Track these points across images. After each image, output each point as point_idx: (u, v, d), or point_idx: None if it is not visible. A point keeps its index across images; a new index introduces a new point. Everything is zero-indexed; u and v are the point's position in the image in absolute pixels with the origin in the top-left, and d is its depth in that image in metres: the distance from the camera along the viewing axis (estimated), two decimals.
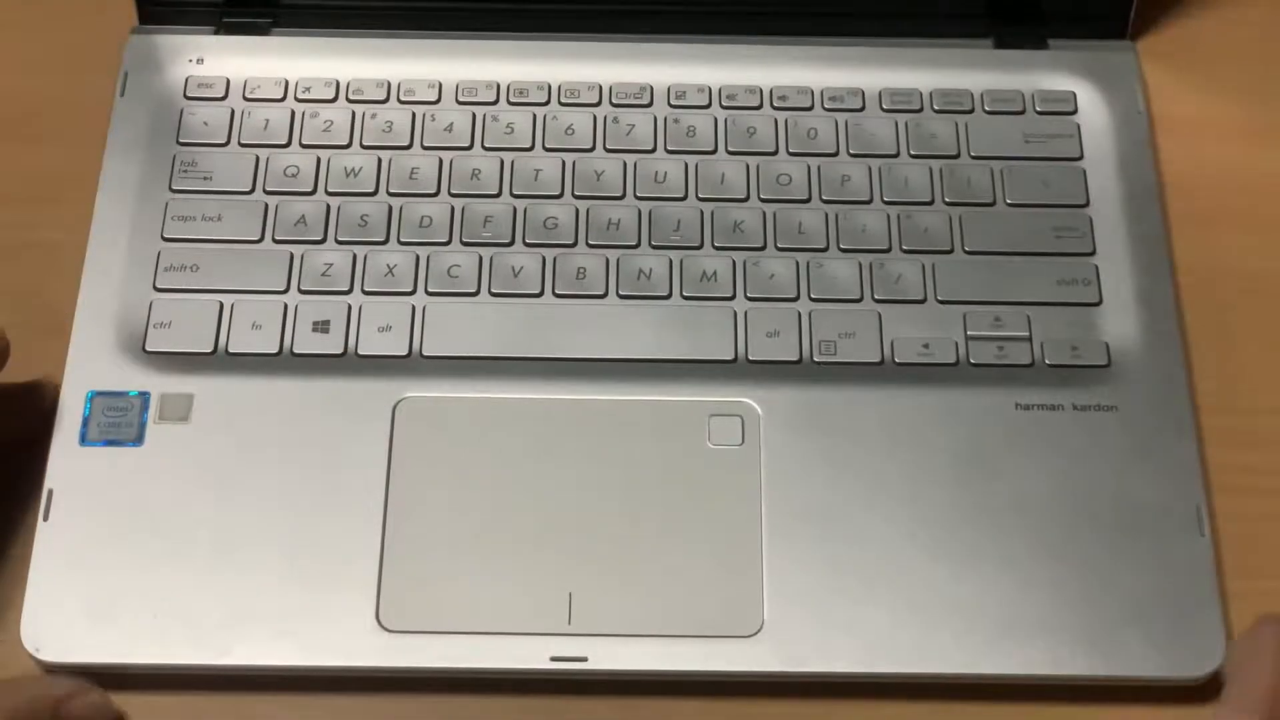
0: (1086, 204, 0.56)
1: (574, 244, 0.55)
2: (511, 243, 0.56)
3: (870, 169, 0.57)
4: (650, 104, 0.59)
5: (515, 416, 0.52)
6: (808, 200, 0.56)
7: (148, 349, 0.53)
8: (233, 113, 0.58)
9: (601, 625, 0.49)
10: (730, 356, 0.53)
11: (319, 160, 0.57)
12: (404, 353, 0.53)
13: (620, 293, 0.54)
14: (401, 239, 0.56)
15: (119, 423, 0.52)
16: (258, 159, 0.57)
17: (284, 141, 0.58)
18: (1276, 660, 0.44)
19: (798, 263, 0.55)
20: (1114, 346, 0.54)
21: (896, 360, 0.53)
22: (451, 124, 0.58)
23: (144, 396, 0.52)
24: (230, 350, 0.53)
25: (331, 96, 0.58)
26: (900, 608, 0.49)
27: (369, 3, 0.61)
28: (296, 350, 0.53)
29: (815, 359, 0.53)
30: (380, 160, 0.57)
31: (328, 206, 0.56)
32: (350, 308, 0.54)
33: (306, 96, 0.58)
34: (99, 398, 0.52)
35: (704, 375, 0.53)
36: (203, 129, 0.58)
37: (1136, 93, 0.59)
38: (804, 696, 0.49)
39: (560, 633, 0.49)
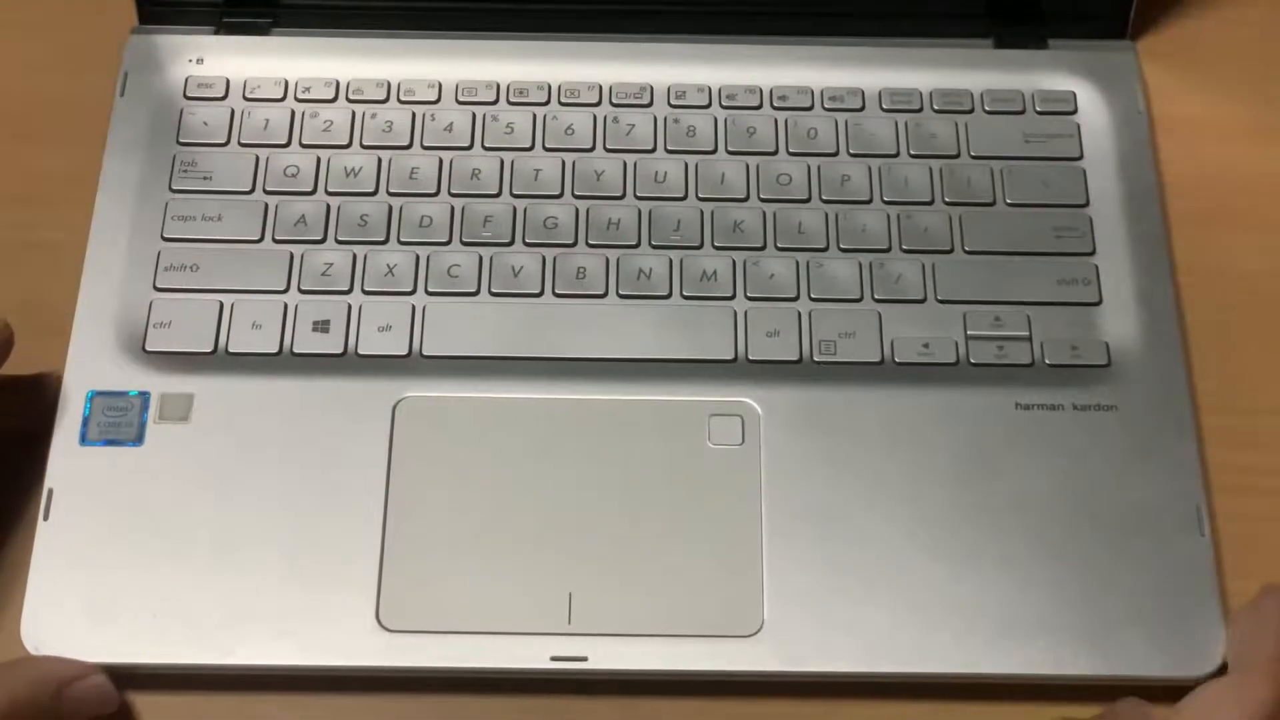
0: (1086, 204, 0.56)
1: (574, 244, 0.55)
2: (511, 242, 0.56)
3: (870, 169, 0.57)
4: (650, 104, 0.59)
5: (515, 416, 0.52)
6: (808, 200, 0.56)
7: (148, 349, 0.53)
8: (233, 113, 0.58)
9: (602, 625, 0.49)
10: (730, 356, 0.53)
11: (319, 160, 0.57)
12: (404, 352, 0.53)
13: (620, 292, 0.54)
14: (401, 239, 0.56)
15: (119, 422, 0.52)
16: (258, 159, 0.57)
17: (284, 141, 0.58)
18: None
19: (798, 262, 0.55)
20: (1114, 346, 0.54)
21: (896, 360, 0.53)
22: (451, 124, 0.58)
23: (144, 396, 0.52)
24: (230, 350, 0.53)
25: (331, 96, 0.58)
26: (900, 607, 0.49)
27: (369, 3, 0.61)
28: (296, 350, 0.53)
29: (815, 359, 0.53)
30: (380, 160, 0.57)
31: (328, 206, 0.56)
32: (350, 307, 0.54)
33: (306, 96, 0.58)
34: (99, 397, 0.52)
35: (704, 375, 0.53)
36: (203, 129, 0.58)
37: (1136, 93, 0.59)
38: (804, 696, 0.49)
39: (560, 632, 0.49)
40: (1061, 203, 0.56)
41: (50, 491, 0.51)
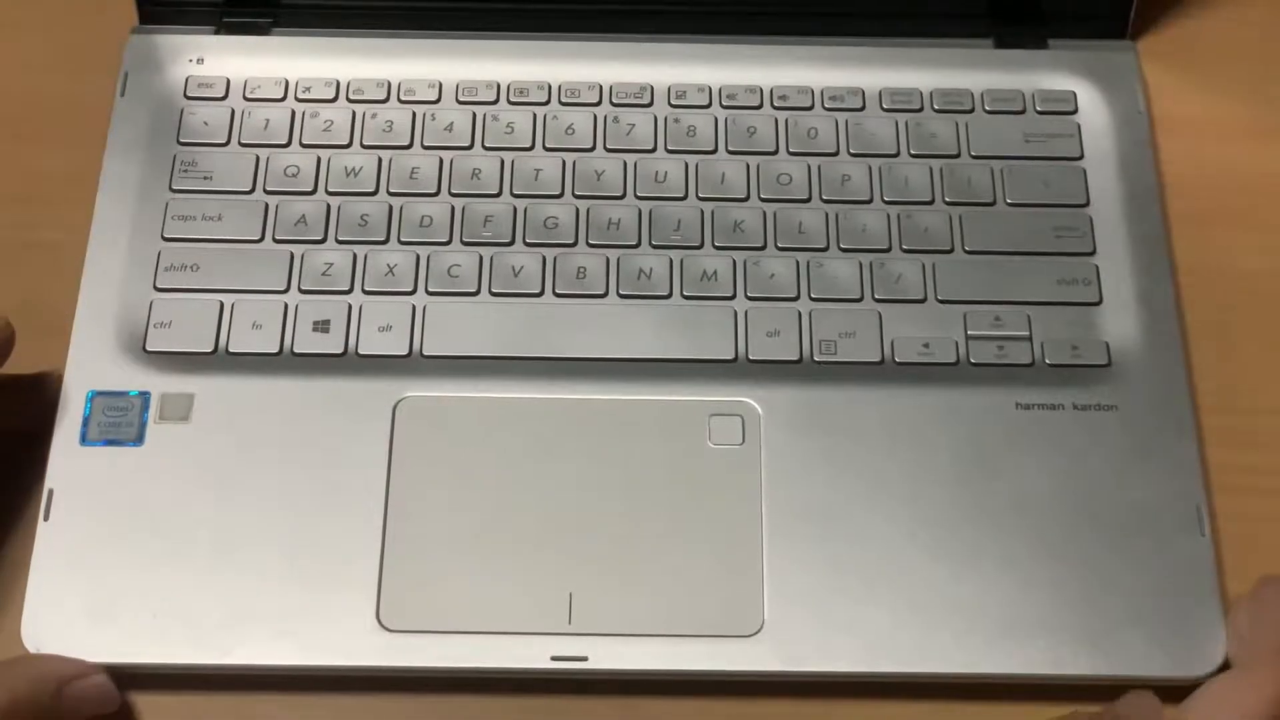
0: (1087, 204, 0.56)
1: (574, 244, 0.55)
2: (512, 242, 0.56)
3: (870, 169, 0.57)
4: (650, 104, 0.59)
5: (516, 416, 0.52)
6: (808, 200, 0.56)
7: (148, 349, 0.53)
8: (233, 113, 0.58)
9: (602, 625, 0.49)
10: (731, 356, 0.53)
11: (319, 160, 0.57)
12: (404, 352, 0.53)
13: (620, 292, 0.54)
14: (402, 239, 0.56)
15: (119, 422, 0.52)
16: (258, 159, 0.57)
17: (284, 141, 0.58)
18: None
19: (798, 262, 0.55)
20: (1114, 346, 0.54)
21: (897, 360, 0.53)
22: (452, 124, 0.58)
23: (144, 396, 0.52)
24: (230, 350, 0.53)
25: (332, 96, 0.58)
26: (901, 607, 0.49)
27: (369, 3, 0.61)
28: (297, 350, 0.53)
29: (815, 358, 0.53)
30: (380, 160, 0.57)
31: (328, 206, 0.56)
32: (350, 307, 0.54)
33: (307, 96, 0.58)
34: (99, 397, 0.52)
35: (704, 375, 0.53)
36: (203, 129, 0.58)
37: (1137, 93, 0.59)
38: (804, 696, 0.49)
39: (561, 632, 0.49)
40: (1062, 203, 0.56)
41: (50, 491, 0.51)
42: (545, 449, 0.52)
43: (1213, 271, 0.56)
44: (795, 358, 0.53)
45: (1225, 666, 0.48)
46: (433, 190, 0.57)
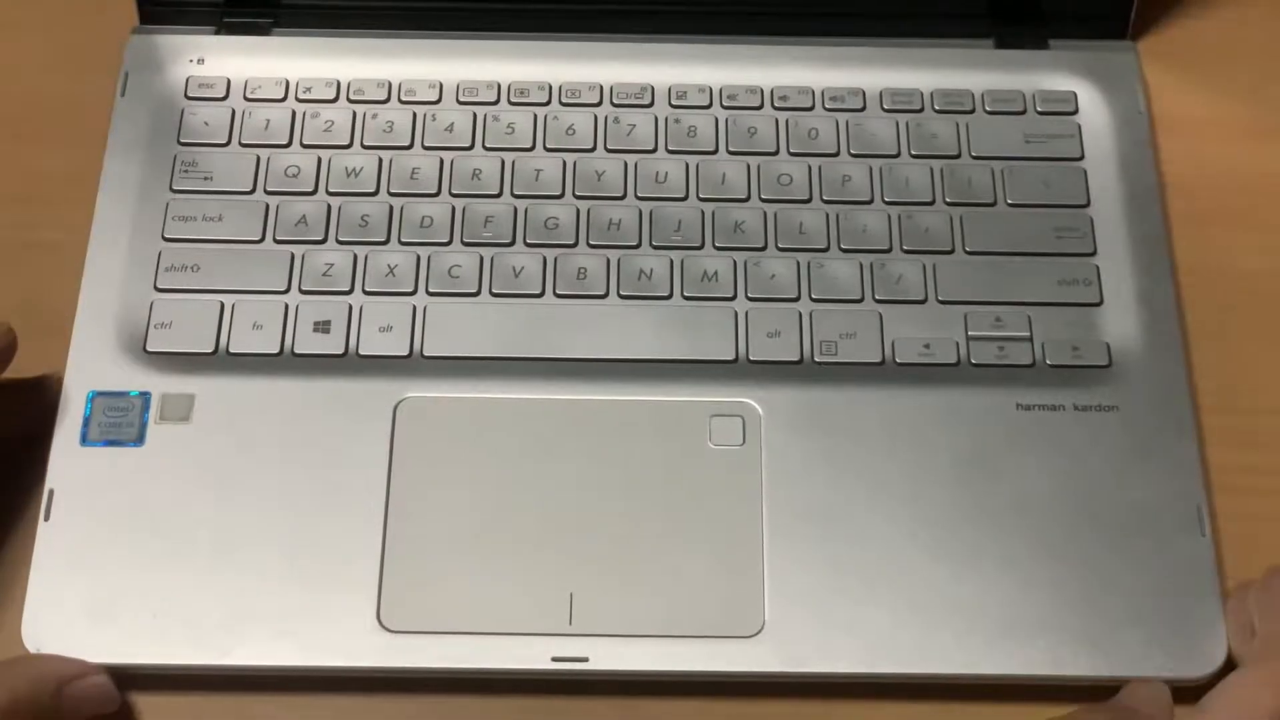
0: (1087, 204, 0.56)
1: (575, 244, 0.55)
2: (512, 243, 0.56)
3: (871, 169, 0.57)
4: (651, 104, 0.58)
5: (516, 416, 0.52)
6: (808, 200, 0.56)
7: (148, 349, 0.53)
8: (233, 113, 0.58)
9: (602, 625, 0.49)
10: (731, 357, 0.53)
11: (320, 160, 0.57)
12: (405, 353, 0.53)
13: (621, 293, 0.54)
14: (402, 239, 0.56)
15: (120, 423, 0.52)
16: (258, 159, 0.57)
17: (285, 141, 0.58)
18: None
19: (798, 263, 0.55)
20: (1115, 347, 0.54)
21: (897, 360, 0.53)
22: (452, 124, 0.58)
23: (145, 397, 0.52)
24: (231, 350, 0.53)
25: (332, 97, 0.58)
26: (901, 608, 0.49)
27: (369, 3, 0.61)
28: (297, 350, 0.53)
29: (816, 359, 0.53)
30: (381, 160, 0.57)
31: (328, 206, 0.56)
32: (351, 308, 0.54)
33: (307, 96, 0.58)
34: (100, 398, 0.52)
35: (705, 375, 0.53)
36: (203, 129, 0.58)
37: (1137, 93, 0.59)
38: (804, 696, 0.49)
39: (561, 633, 0.49)
40: (1062, 203, 0.56)
41: (51, 492, 0.51)
42: (546, 449, 0.52)
43: (1213, 271, 0.56)
44: (796, 358, 0.53)
45: (1228, 661, 0.48)
46: (433, 191, 0.57)
